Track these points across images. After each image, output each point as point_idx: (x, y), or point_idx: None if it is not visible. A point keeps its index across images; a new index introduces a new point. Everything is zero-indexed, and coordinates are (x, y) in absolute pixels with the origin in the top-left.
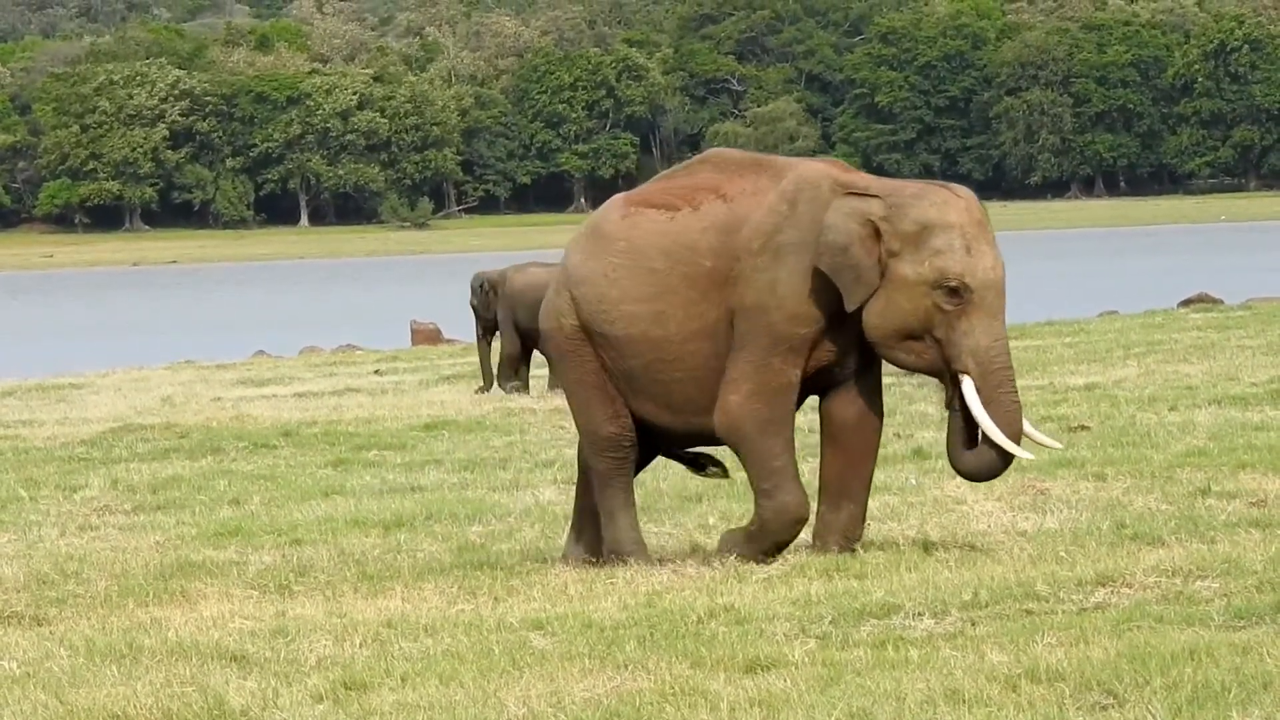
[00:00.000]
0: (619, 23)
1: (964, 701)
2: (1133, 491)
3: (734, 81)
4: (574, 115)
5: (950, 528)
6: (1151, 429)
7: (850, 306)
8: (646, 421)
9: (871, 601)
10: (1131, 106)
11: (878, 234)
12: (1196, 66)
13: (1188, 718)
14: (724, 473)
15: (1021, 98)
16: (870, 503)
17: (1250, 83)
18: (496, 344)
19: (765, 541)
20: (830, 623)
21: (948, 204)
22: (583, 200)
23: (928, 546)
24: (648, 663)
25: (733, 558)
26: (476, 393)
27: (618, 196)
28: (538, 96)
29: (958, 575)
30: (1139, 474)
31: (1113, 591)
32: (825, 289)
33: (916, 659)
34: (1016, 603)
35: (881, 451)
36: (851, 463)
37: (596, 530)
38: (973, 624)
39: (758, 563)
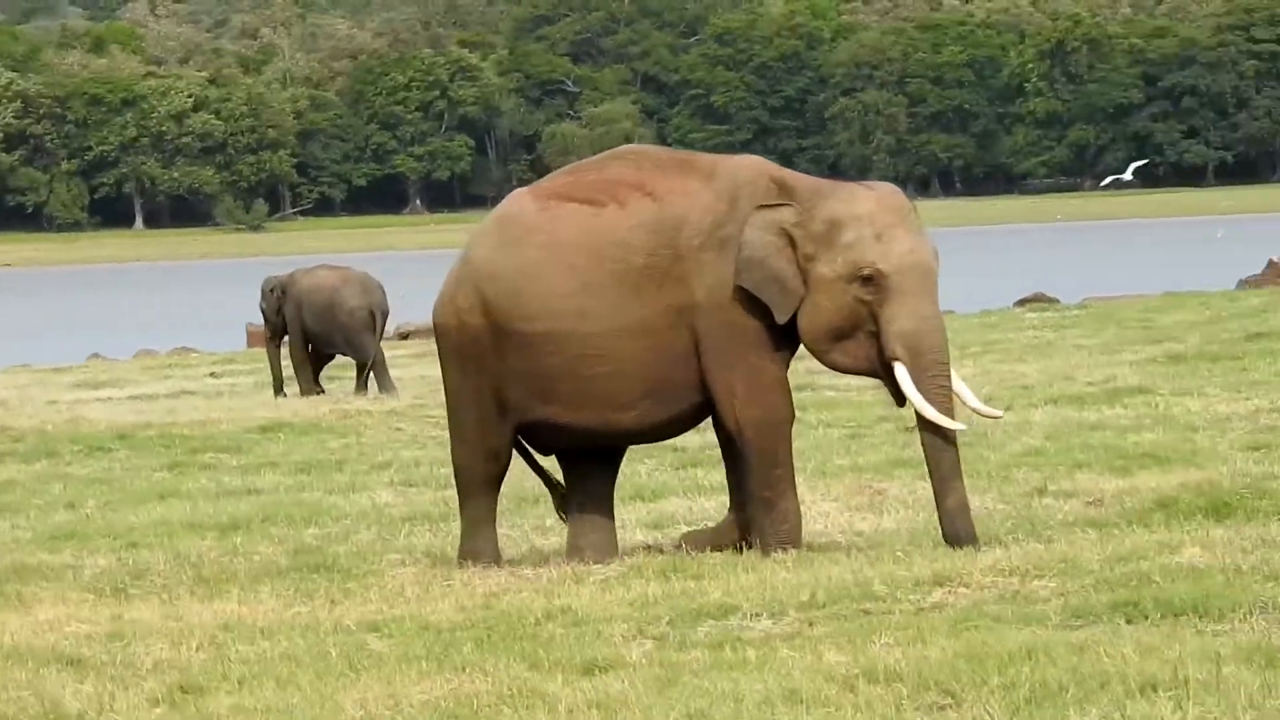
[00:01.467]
0: (454, 24)
1: (801, 702)
2: (969, 491)
3: (569, 83)
4: (409, 117)
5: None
6: (988, 429)
7: (780, 319)
8: (550, 424)
9: (709, 602)
10: (967, 107)
11: (793, 241)
12: (1032, 66)
13: (1025, 717)
14: (563, 517)
15: (857, 98)
16: (706, 504)
17: (1087, 82)
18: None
19: (767, 547)
20: (668, 624)
21: (855, 198)
22: (418, 202)
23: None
24: (485, 665)
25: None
26: (277, 396)
27: (524, 190)
28: (373, 99)
29: (795, 576)
30: (975, 474)
31: (950, 591)
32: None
33: (754, 660)
34: (854, 603)
35: (717, 453)
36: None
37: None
38: (810, 624)
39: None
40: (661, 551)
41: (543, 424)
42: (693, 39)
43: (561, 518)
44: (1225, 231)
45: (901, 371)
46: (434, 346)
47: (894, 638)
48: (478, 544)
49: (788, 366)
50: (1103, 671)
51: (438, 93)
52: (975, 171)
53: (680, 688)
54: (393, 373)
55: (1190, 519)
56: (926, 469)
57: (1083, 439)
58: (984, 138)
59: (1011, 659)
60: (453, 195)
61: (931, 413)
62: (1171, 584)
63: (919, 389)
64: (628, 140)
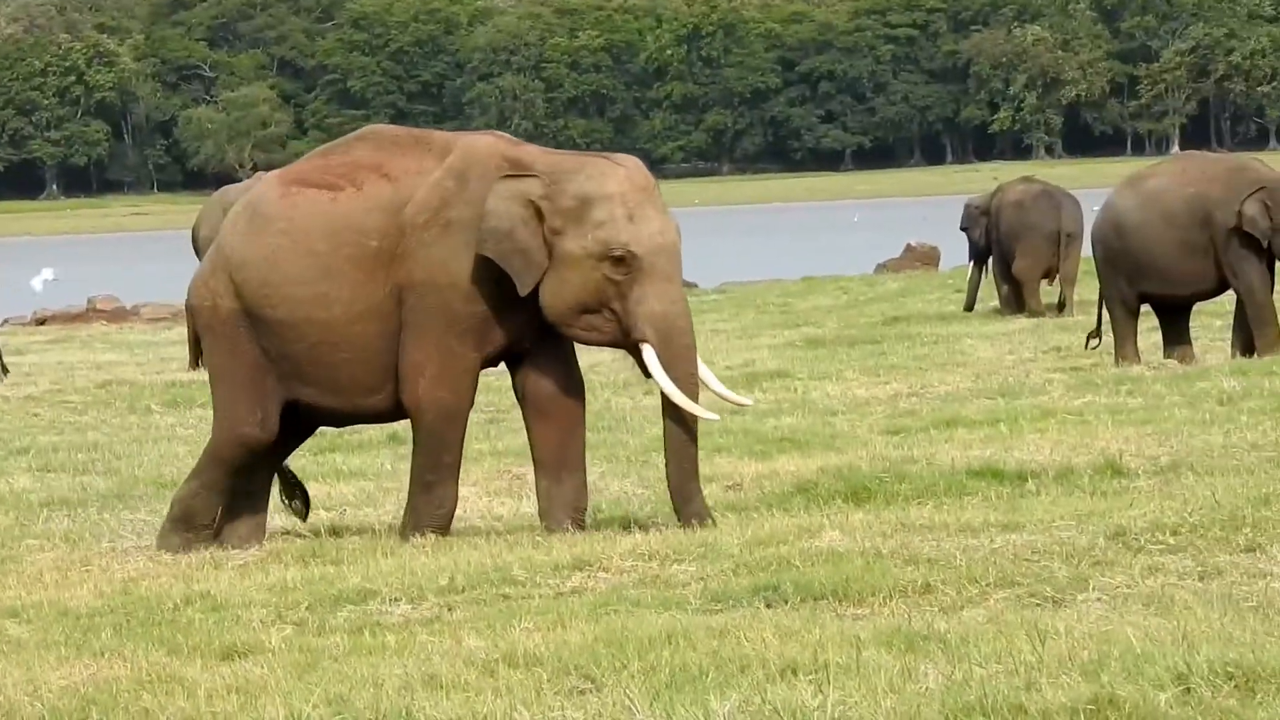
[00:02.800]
0: (90, 9)
1: (441, 686)
2: (609, 476)
3: (206, 68)
4: (45, 102)
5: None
6: (627, 414)
7: (523, 291)
8: (308, 405)
9: (348, 587)
10: (604, 91)
11: (540, 214)
12: (670, 51)
13: (665, 701)
14: (304, 516)
15: (494, 83)
16: (345, 489)
17: (723, 66)
18: None
19: (417, 528)
20: (307, 609)
21: (605, 175)
22: (55, 187)
23: (404, 532)
24: (124, 650)
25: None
26: None
27: (273, 175)
28: (9, 84)
29: (434, 560)
30: (615, 459)
31: (589, 576)
32: (498, 268)
33: (394, 644)
34: (493, 587)
35: (358, 437)
36: (564, 434)
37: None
38: (449, 609)
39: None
40: (300, 536)
41: (302, 406)
42: (329, 24)
43: (291, 506)
44: (862, 216)
45: (651, 355)
46: (70, 333)
47: (533, 622)
48: (197, 504)
49: (487, 360)
50: (743, 655)
51: (74, 78)
52: None
53: (320, 672)
54: (30, 358)
55: (829, 503)
56: (666, 455)
57: (722, 423)
58: (621, 122)
59: (651, 643)
60: (89, 180)
61: (683, 400)
62: (811, 568)
63: (670, 374)
64: (264, 125)
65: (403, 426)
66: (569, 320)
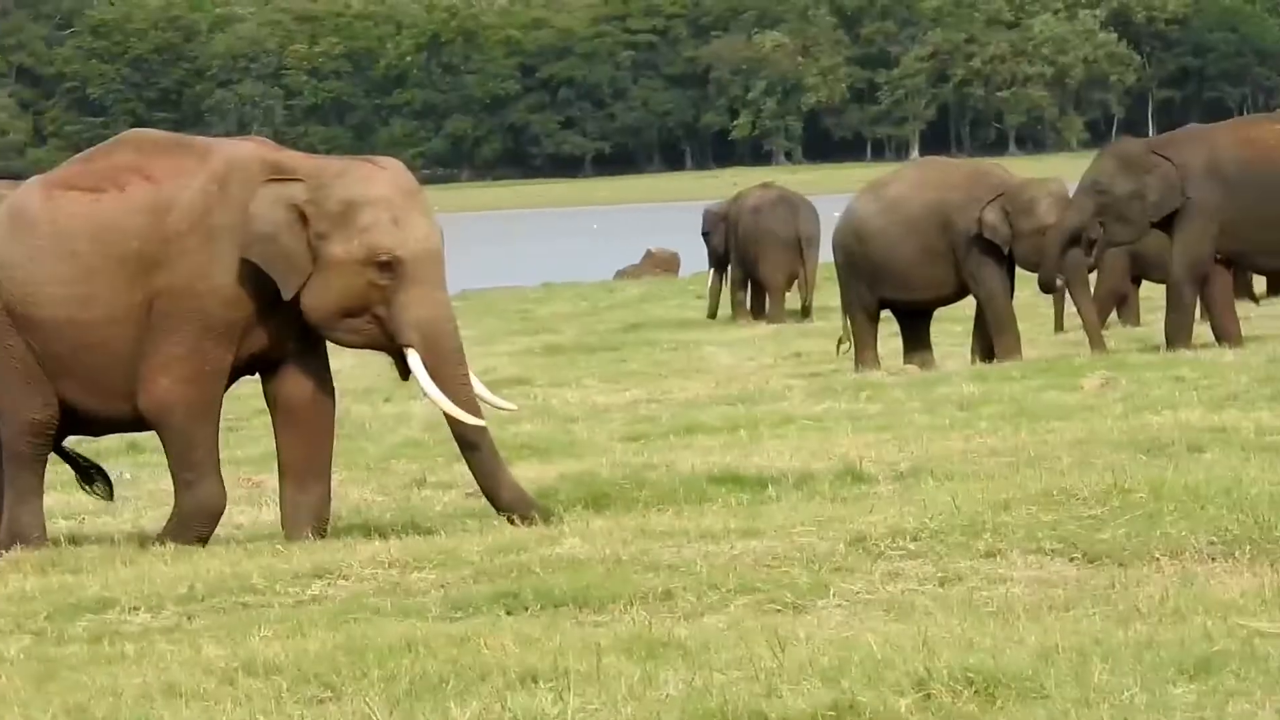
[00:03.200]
0: None
1: (180, 695)
2: (349, 483)
3: None
4: None
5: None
6: (367, 421)
7: (287, 295)
8: (71, 405)
9: (87, 596)
10: (345, 99)
11: (304, 218)
12: (410, 58)
13: (405, 709)
14: (109, 496)
15: (234, 90)
16: (84, 498)
17: (464, 73)
18: None
19: (186, 534)
20: (45, 618)
21: (370, 179)
22: None
23: (143, 541)
24: None
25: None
26: None
27: (36, 179)
28: None
29: (174, 569)
30: (355, 465)
31: (330, 584)
32: (259, 273)
33: (133, 653)
34: (233, 596)
35: (96, 445)
36: (313, 442)
37: None
38: (189, 618)
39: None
40: (37, 548)
41: (68, 406)
42: (68, 31)
43: (93, 490)
44: (601, 223)
45: (416, 361)
46: None
47: (273, 630)
48: (26, 519)
49: (242, 365)
50: (483, 663)
51: None
52: None
53: (59, 682)
54: None
55: (570, 509)
56: (467, 464)
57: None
58: (361, 129)
59: (391, 651)
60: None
61: (451, 408)
62: (551, 575)
63: (439, 382)
64: (2, 133)
65: (142, 435)
66: (331, 324)
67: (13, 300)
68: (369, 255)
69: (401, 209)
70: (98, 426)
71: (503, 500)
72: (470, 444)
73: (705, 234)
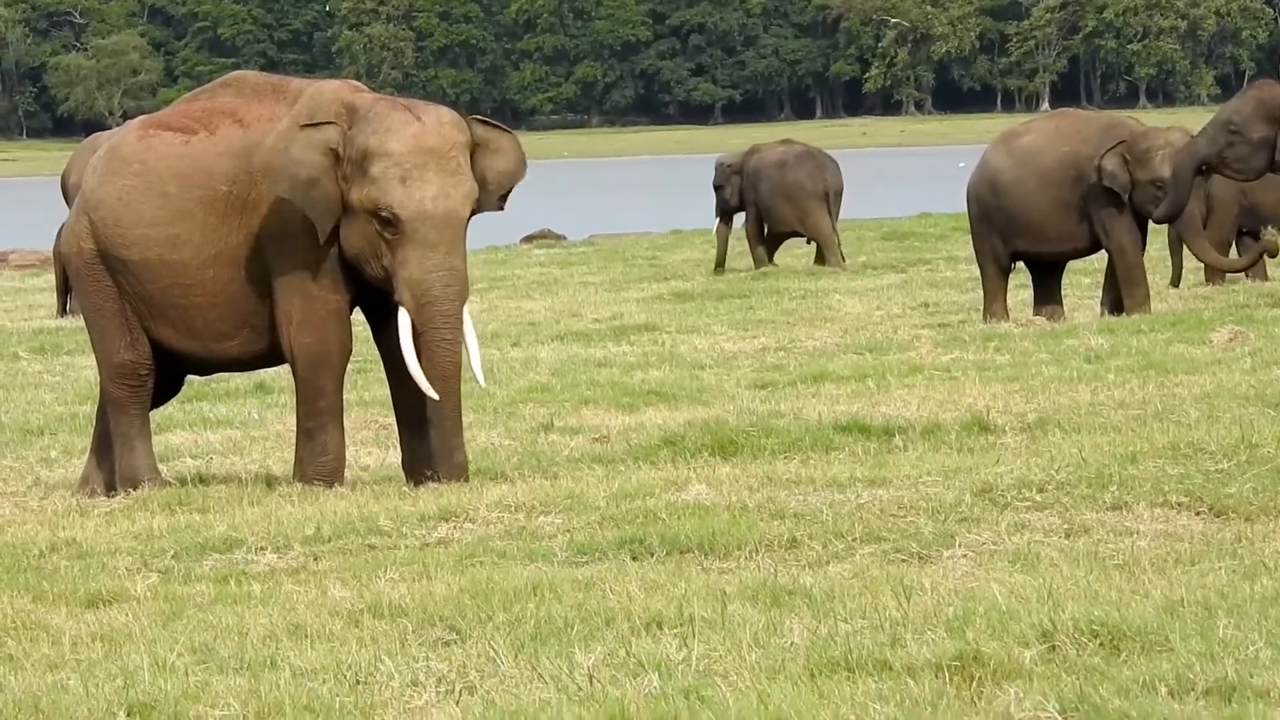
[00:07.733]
0: None
1: (307, 636)
2: (475, 427)
3: (76, 15)
4: None
5: (293, 462)
6: (494, 365)
7: (321, 236)
8: (168, 347)
9: (214, 536)
10: (474, 42)
11: (339, 160)
12: (541, 3)
13: (530, 653)
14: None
15: (364, 32)
16: (212, 437)
17: (594, 19)
18: None
19: (305, 479)
20: (173, 557)
21: (392, 131)
22: None
23: (270, 481)
24: None
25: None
26: None
27: (138, 119)
28: None
29: (300, 510)
30: (482, 409)
31: (456, 527)
32: None
33: (259, 593)
34: (359, 538)
35: (223, 386)
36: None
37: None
38: (315, 559)
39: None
40: (167, 484)
41: (161, 348)
42: None
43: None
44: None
45: (404, 319)
46: None
47: (399, 573)
48: (135, 462)
49: (356, 303)
50: (608, 608)
51: None
52: (483, 107)
53: (185, 621)
54: None
55: (696, 456)
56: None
57: (589, 375)
58: (491, 73)
59: (516, 595)
60: None
61: (416, 371)
62: (677, 521)
63: (421, 344)
64: (134, 73)
65: (270, 375)
66: (365, 266)
67: (105, 241)
68: (373, 207)
69: (414, 167)
70: (198, 367)
71: (443, 471)
72: (434, 404)
73: (717, 186)
